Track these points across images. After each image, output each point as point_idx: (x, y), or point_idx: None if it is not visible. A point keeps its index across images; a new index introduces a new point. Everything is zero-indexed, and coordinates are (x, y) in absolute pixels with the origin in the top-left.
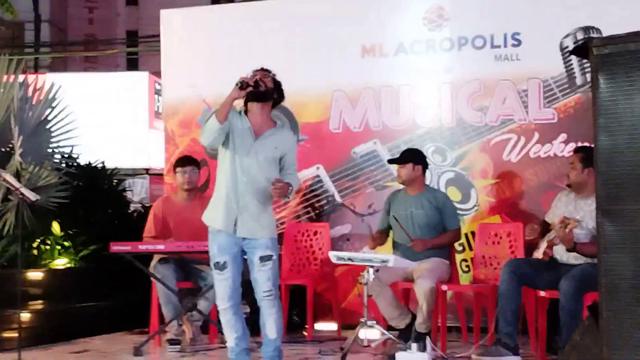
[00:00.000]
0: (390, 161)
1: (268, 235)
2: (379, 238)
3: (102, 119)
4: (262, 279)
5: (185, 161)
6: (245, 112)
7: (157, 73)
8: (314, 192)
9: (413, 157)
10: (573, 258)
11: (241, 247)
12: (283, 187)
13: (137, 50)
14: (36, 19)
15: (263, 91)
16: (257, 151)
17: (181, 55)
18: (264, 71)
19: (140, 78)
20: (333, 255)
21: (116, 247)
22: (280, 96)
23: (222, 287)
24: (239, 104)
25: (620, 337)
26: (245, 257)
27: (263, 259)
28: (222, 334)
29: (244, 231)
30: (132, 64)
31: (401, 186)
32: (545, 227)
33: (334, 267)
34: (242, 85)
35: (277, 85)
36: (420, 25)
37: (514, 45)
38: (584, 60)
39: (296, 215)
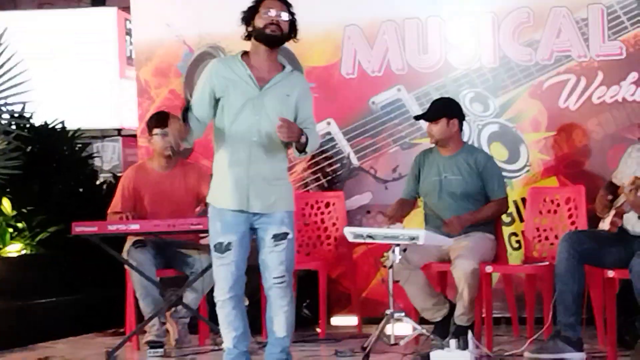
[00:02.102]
0: (418, 117)
1: (285, 207)
2: (402, 209)
3: (61, 67)
4: (274, 263)
5: (164, 120)
6: (246, 53)
7: (127, 8)
8: (324, 153)
9: (447, 110)
10: None
11: (251, 224)
12: (291, 127)
13: None
14: None
15: (279, 36)
16: (264, 103)
17: None
18: (282, 3)
19: (107, 15)
20: (349, 232)
21: (80, 229)
22: (294, 34)
23: (223, 273)
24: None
25: None
26: (254, 236)
27: (277, 237)
28: (216, 333)
29: (258, 205)
30: None
31: (432, 144)
32: (613, 190)
33: (352, 247)
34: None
35: (293, 22)
36: None
37: None
38: None
39: (303, 183)
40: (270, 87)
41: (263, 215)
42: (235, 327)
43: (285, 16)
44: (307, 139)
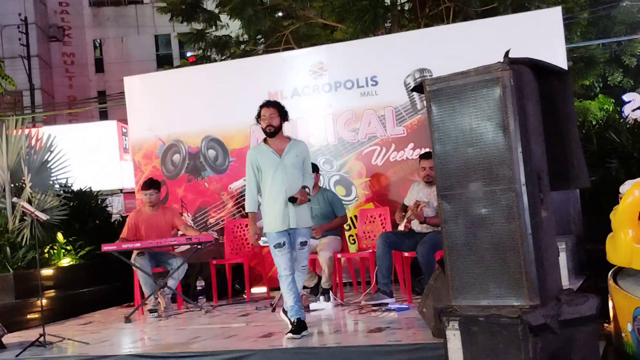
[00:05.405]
0: None
1: (306, 224)
2: None
3: (86, 156)
4: (302, 258)
5: (147, 185)
6: (265, 139)
7: (122, 120)
8: (243, 197)
9: (316, 168)
10: (425, 228)
11: (289, 233)
12: (303, 197)
13: (106, 105)
14: (31, 88)
15: (274, 131)
16: (286, 164)
17: (141, 108)
18: (274, 107)
19: (110, 125)
20: (260, 240)
21: (106, 247)
22: (286, 119)
23: (283, 260)
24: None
25: (459, 280)
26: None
27: (303, 244)
28: (188, 302)
29: (293, 223)
30: (103, 115)
31: None
32: (404, 208)
33: (262, 248)
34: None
35: (284, 112)
36: (307, 75)
37: (373, 85)
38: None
39: (232, 214)
40: (286, 153)
41: (296, 229)
42: (293, 292)
43: (275, 120)
44: (308, 190)
